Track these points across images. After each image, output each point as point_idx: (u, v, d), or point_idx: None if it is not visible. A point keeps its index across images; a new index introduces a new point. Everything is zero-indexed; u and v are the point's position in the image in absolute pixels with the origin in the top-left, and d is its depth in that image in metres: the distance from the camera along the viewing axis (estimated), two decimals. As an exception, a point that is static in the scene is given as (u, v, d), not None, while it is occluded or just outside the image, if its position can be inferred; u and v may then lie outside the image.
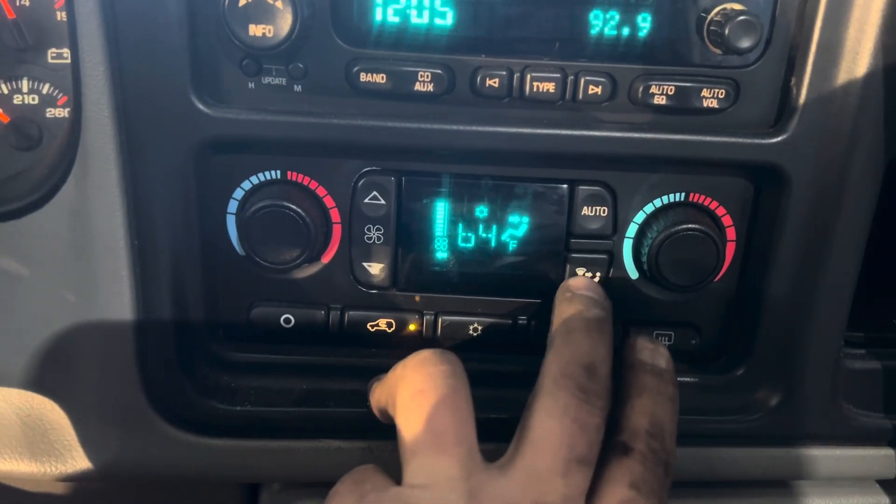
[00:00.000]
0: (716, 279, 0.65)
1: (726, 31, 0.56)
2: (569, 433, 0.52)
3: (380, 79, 0.59)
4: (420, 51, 0.59)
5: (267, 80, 0.60)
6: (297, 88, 0.60)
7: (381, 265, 0.66)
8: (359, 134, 0.60)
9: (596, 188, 0.64)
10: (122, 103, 0.58)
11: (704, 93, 0.60)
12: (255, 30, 0.55)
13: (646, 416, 0.56)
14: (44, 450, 0.69)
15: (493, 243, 0.66)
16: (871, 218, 0.62)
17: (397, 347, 0.68)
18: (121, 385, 0.64)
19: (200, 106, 0.58)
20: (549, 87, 0.59)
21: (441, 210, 0.65)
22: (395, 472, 0.57)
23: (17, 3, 0.70)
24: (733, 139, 0.60)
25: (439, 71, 0.59)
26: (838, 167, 0.60)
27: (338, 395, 0.67)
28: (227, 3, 0.55)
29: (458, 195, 0.65)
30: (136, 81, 0.58)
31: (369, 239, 0.65)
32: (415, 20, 0.59)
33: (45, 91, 0.73)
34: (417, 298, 0.68)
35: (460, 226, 0.66)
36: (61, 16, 0.71)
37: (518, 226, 0.66)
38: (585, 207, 0.65)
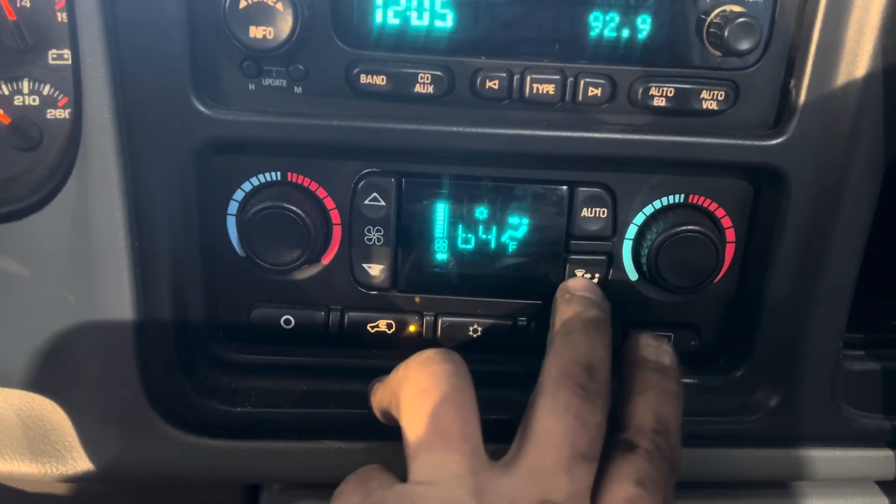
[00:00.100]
0: (715, 280, 0.65)
1: (726, 33, 0.56)
2: (571, 430, 0.53)
3: (380, 80, 0.59)
4: (420, 52, 0.59)
5: (267, 81, 0.60)
6: (298, 90, 0.60)
7: (381, 266, 0.67)
8: (359, 135, 0.60)
9: (596, 190, 0.65)
10: (122, 104, 0.58)
11: (704, 94, 0.60)
12: (256, 31, 0.55)
13: (650, 413, 0.56)
14: (44, 450, 0.69)
15: (492, 244, 0.66)
16: (870, 219, 0.63)
17: (397, 349, 0.68)
18: (121, 386, 0.64)
19: (201, 107, 0.58)
20: (549, 88, 0.60)
21: (441, 211, 0.65)
22: (397, 473, 0.57)
23: (18, 4, 0.70)
24: (733, 141, 0.60)
25: (439, 73, 0.59)
26: (838, 168, 0.60)
27: (338, 396, 0.67)
28: (227, 5, 0.55)
29: (457, 196, 0.65)
30: (137, 83, 0.58)
31: (369, 240, 0.66)
32: (415, 22, 0.59)
33: (45, 92, 0.73)
34: (417, 299, 0.68)
35: (460, 227, 0.66)
36: (62, 17, 0.71)
37: (518, 227, 0.66)
38: (585, 209, 0.65)
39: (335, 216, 0.65)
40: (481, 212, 0.65)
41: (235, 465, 0.68)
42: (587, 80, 0.60)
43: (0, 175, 0.69)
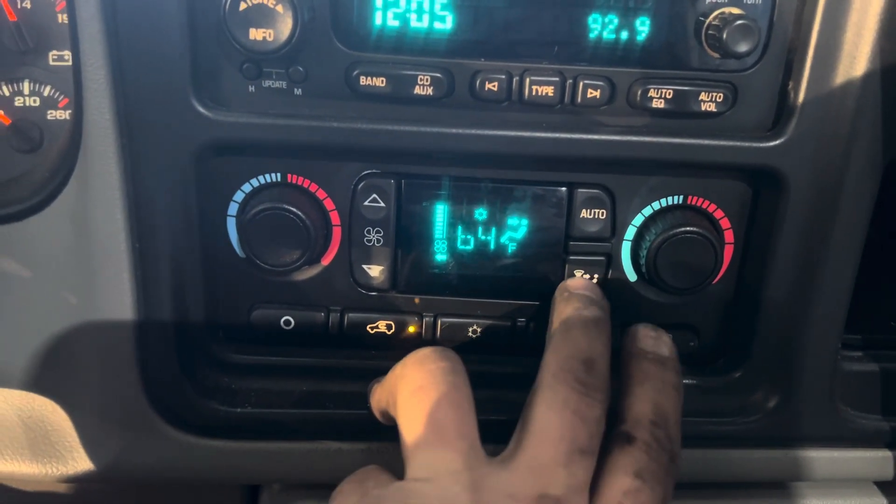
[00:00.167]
0: (714, 282, 0.65)
1: (724, 35, 0.56)
2: (569, 425, 0.53)
3: (379, 82, 0.59)
4: (420, 54, 0.59)
5: (267, 83, 0.60)
6: (298, 92, 0.60)
7: (380, 267, 0.67)
8: (359, 137, 0.60)
9: (595, 191, 0.65)
10: (123, 106, 0.58)
11: (702, 96, 0.60)
12: (256, 34, 0.56)
13: (648, 405, 0.56)
14: (45, 451, 0.69)
15: (492, 246, 0.66)
16: (868, 220, 0.63)
17: (397, 349, 0.68)
18: (122, 386, 0.65)
19: (201, 109, 0.59)
20: (548, 90, 0.60)
21: (440, 213, 0.65)
22: (395, 473, 0.57)
23: (19, 6, 0.70)
24: (731, 142, 0.61)
25: (439, 74, 0.59)
26: (836, 170, 0.61)
27: (338, 397, 0.68)
28: (227, 7, 0.55)
29: (457, 198, 0.65)
30: (138, 84, 0.58)
31: (369, 241, 0.66)
32: (414, 24, 0.59)
33: (46, 93, 0.73)
34: (417, 300, 0.68)
35: (460, 228, 0.66)
36: (62, 18, 0.71)
37: (517, 228, 0.66)
38: (584, 210, 0.65)
39: (335, 217, 0.65)
40: (481, 213, 0.66)
41: (235, 466, 0.68)
42: (586, 81, 0.60)
43: (1, 176, 0.69)
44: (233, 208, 0.65)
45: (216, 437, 0.67)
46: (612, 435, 0.55)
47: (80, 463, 0.68)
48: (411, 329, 0.68)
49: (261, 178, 0.64)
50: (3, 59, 0.71)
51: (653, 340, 0.61)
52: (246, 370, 0.69)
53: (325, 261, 0.67)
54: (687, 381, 0.69)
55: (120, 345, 0.63)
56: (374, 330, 0.68)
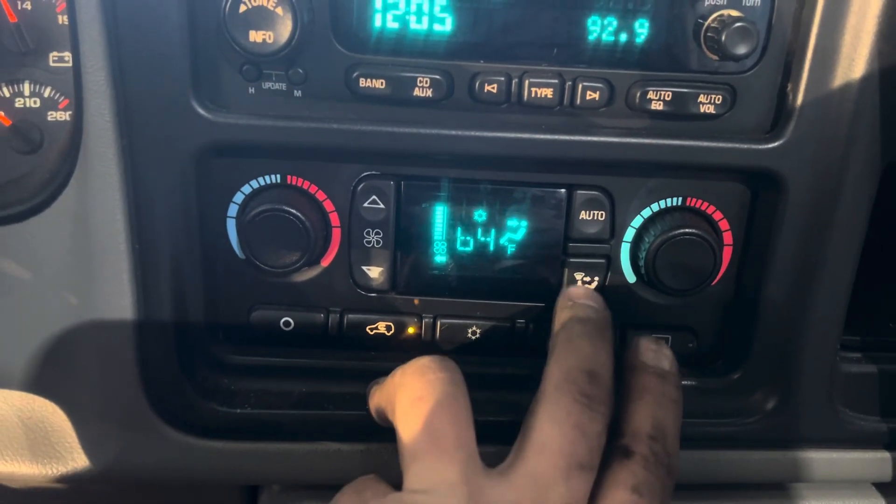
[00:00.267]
0: (713, 283, 0.65)
1: (723, 38, 0.56)
2: (570, 439, 0.53)
3: (379, 84, 0.59)
4: (419, 56, 0.60)
5: (267, 85, 0.60)
6: (297, 94, 0.60)
7: (380, 269, 0.67)
8: (358, 139, 0.60)
9: (594, 193, 0.65)
10: (123, 107, 0.59)
11: (701, 98, 0.60)
12: (256, 36, 0.56)
13: (648, 419, 0.56)
14: (45, 451, 0.69)
15: (491, 247, 0.67)
16: (867, 222, 0.63)
17: (396, 350, 0.68)
18: (122, 387, 0.65)
19: (201, 111, 0.59)
20: (547, 92, 0.60)
21: (440, 214, 0.65)
22: (394, 475, 0.57)
23: (19, 7, 0.70)
24: (730, 144, 0.61)
25: (438, 76, 0.59)
26: (835, 172, 0.61)
27: (337, 398, 0.68)
28: (227, 9, 0.55)
29: (456, 199, 0.65)
30: (138, 86, 0.58)
31: (368, 243, 0.66)
32: (414, 26, 0.59)
33: (46, 94, 0.73)
34: (416, 302, 0.68)
35: (459, 230, 0.66)
36: (63, 19, 0.71)
37: (516, 230, 0.66)
38: (583, 212, 0.65)
39: (334, 219, 0.65)
40: (480, 214, 0.66)
41: (235, 467, 0.68)
42: (585, 83, 0.60)
43: (1, 177, 0.70)
44: (233, 209, 0.65)
45: (216, 437, 0.67)
46: (610, 448, 0.55)
47: (80, 463, 0.68)
48: (411, 330, 0.68)
49: (260, 179, 0.64)
50: (3, 60, 0.71)
51: (654, 353, 0.61)
52: (245, 371, 0.69)
53: (325, 262, 0.67)
54: (686, 383, 0.69)
55: (120, 345, 0.63)
56: (374, 331, 0.68)
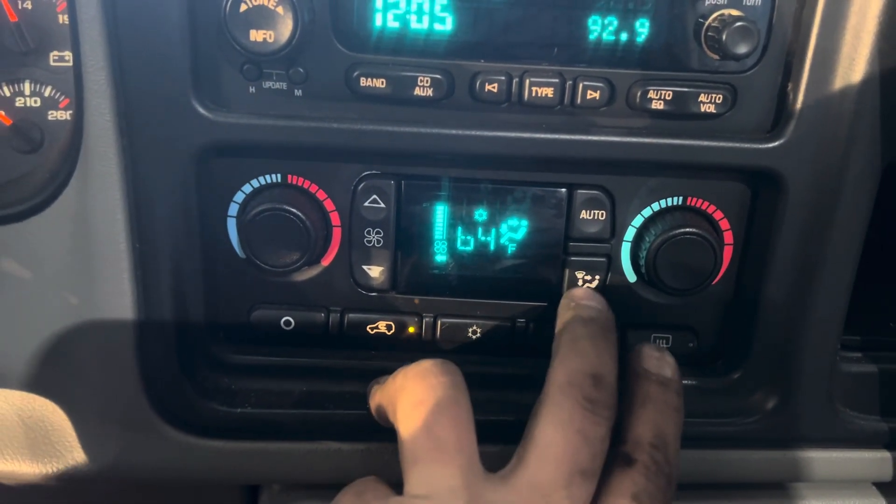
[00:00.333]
0: (713, 283, 0.65)
1: (723, 37, 0.56)
2: (573, 445, 0.52)
3: (380, 83, 0.59)
4: (420, 56, 0.60)
5: (268, 84, 0.60)
6: (298, 93, 0.60)
7: (380, 268, 0.67)
8: (359, 138, 0.60)
9: (594, 192, 0.65)
10: (123, 107, 0.59)
11: (702, 98, 0.60)
12: (256, 35, 0.56)
13: (649, 427, 0.56)
14: (45, 451, 0.69)
15: (491, 247, 0.67)
16: (867, 222, 0.63)
17: (397, 350, 0.68)
18: (122, 387, 0.65)
19: (201, 110, 0.59)
20: (548, 91, 0.60)
21: (440, 213, 0.66)
22: (394, 475, 0.57)
23: (19, 6, 0.70)
24: (730, 144, 0.61)
25: (439, 76, 0.59)
26: (835, 172, 0.61)
27: (337, 398, 0.68)
28: (228, 8, 0.55)
29: (457, 199, 0.65)
30: (138, 85, 0.58)
31: (369, 242, 0.66)
32: (414, 25, 0.59)
33: (47, 94, 0.73)
34: (417, 301, 0.68)
35: (459, 229, 0.66)
36: (63, 19, 0.71)
37: (517, 229, 0.66)
38: (584, 211, 0.65)
39: (335, 218, 0.65)
40: (480, 214, 0.66)
41: (235, 466, 0.68)
42: (586, 83, 0.60)
43: (2, 177, 0.70)
44: (233, 209, 0.65)
45: (216, 437, 0.67)
46: (611, 455, 0.55)
47: (80, 463, 0.68)
48: (411, 329, 0.68)
49: (261, 178, 0.64)
50: (3, 59, 0.71)
51: (657, 361, 0.61)
52: (246, 371, 0.69)
53: (326, 261, 0.67)
54: (686, 382, 0.69)
55: (120, 345, 0.63)
56: (374, 330, 0.68)
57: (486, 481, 0.53)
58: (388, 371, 0.61)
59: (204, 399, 0.67)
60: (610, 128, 0.61)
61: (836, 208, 0.61)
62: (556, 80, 0.60)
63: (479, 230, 0.66)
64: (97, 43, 0.57)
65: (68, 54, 0.72)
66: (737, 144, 0.61)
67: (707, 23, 0.58)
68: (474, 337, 0.68)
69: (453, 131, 0.60)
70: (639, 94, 0.60)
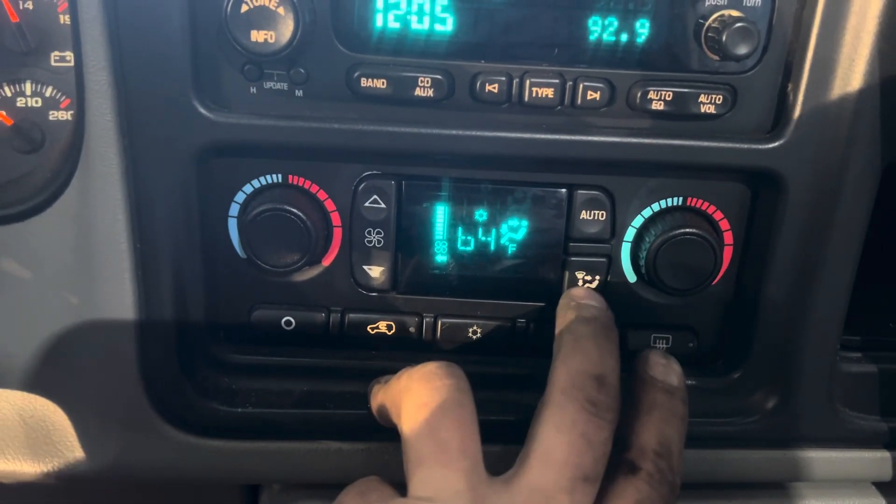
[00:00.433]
0: (713, 283, 0.65)
1: (724, 38, 0.56)
2: (576, 450, 0.52)
3: (380, 84, 0.59)
4: (420, 56, 0.60)
5: (268, 85, 0.60)
6: (299, 93, 0.60)
7: (381, 268, 0.67)
8: (359, 138, 0.60)
9: (594, 192, 0.65)
10: (124, 107, 0.59)
11: (702, 98, 0.60)
12: (257, 36, 0.56)
13: (654, 435, 0.56)
14: (46, 450, 0.69)
15: (492, 247, 0.67)
16: (867, 222, 0.63)
17: (397, 350, 0.68)
18: (122, 387, 0.65)
19: (202, 110, 0.59)
20: (548, 92, 0.60)
21: (441, 214, 0.66)
22: (394, 475, 0.57)
23: (21, 7, 0.70)
24: (730, 144, 0.61)
25: (439, 76, 0.59)
26: (835, 172, 0.61)
27: (338, 397, 0.68)
28: (229, 9, 0.55)
29: (457, 199, 0.65)
30: (139, 85, 0.58)
31: (369, 242, 0.66)
32: (415, 26, 0.59)
33: (48, 94, 0.73)
34: (417, 301, 0.68)
35: (460, 229, 0.66)
36: (64, 19, 0.71)
37: (517, 230, 0.66)
38: (584, 211, 0.65)
39: (336, 218, 0.65)
40: (481, 214, 0.66)
41: (235, 466, 0.68)
42: (586, 83, 0.60)
43: (2, 177, 0.70)
44: (234, 209, 0.65)
45: (216, 437, 0.67)
46: (615, 461, 0.55)
47: (81, 462, 0.69)
48: (411, 330, 0.68)
49: (262, 179, 0.64)
50: (4, 59, 0.71)
51: (663, 368, 0.61)
52: (246, 370, 0.69)
53: (326, 261, 0.67)
54: (686, 383, 0.69)
55: (121, 345, 0.64)
56: (375, 330, 0.68)
57: (490, 485, 0.53)
58: (389, 371, 0.61)
59: (204, 399, 0.67)
60: (610, 128, 0.61)
61: (836, 208, 0.62)
62: (557, 81, 0.60)
63: (480, 230, 0.66)
64: (98, 43, 0.57)
65: (69, 54, 0.72)
66: (737, 145, 0.61)
67: (707, 23, 0.58)
68: (475, 337, 0.68)
69: (454, 132, 0.60)
70: (639, 94, 0.60)
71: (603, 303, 0.63)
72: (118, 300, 0.62)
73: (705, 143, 0.61)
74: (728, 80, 0.60)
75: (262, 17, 0.55)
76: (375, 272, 0.67)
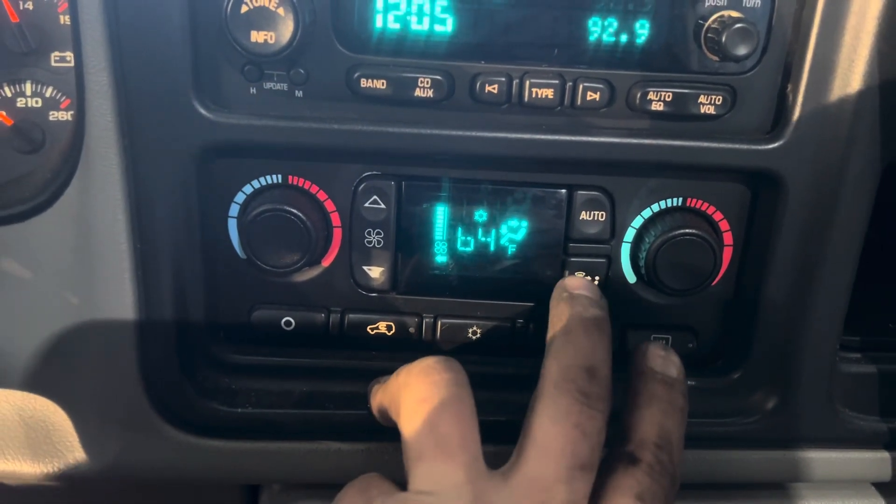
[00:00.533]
0: (713, 283, 0.65)
1: (723, 38, 0.56)
2: (571, 439, 0.53)
3: (380, 84, 0.59)
4: (420, 57, 0.60)
5: (268, 85, 0.60)
6: (299, 94, 0.61)
7: (381, 269, 0.67)
8: (359, 139, 0.60)
9: (594, 193, 0.65)
10: (125, 107, 0.59)
11: (702, 99, 0.60)
12: (257, 36, 0.56)
13: (654, 427, 0.56)
14: (46, 450, 0.69)
15: (492, 247, 0.67)
16: (867, 223, 0.63)
17: (397, 350, 0.68)
18: (123, 387, 0.65)
19: (202, 111, 0.59)
20: (548, 93, 0.60)
21: (441, 214, 0.66)
22: (394, 474, 0.57)
23: (21, 7, 0.71)
24: (730, 145, 0.61)
25: (439, 77, 0.59)
26: (834, 172, 0.61)
27: (338, 398, 0.68)
28: (229, 9, 0.55)
29: (457, 200, 0.65)
30: (139, 86, 0.58)
31: (369, 243, 0.66)
32: (415, 27, 0.59)
33: (48, 94, 0.73)
34: (417, 302, 0.68)
35: (460, 230, 0.66)
36: (64, 19, 0.71)
37: (517, 230, 0.66)
38: (584, 212, 0.65)
39: (335, 219, 0.65)
40: (480, 215, 0.66)
41: (235, 466, 0.68)
42: (586, 84, 0.60)
43: (2, 177, 0.70)
44: (234, 209, 0.65)
45: (216, 437, 0.67)
46: (616, 453, 0.55)
47: (81, 462, 0.69)
48: (411, 330, 0.68)
49: (262, 179, 0.64)
50: (5, 60, 0.71)
51: (662, 360, 0.61)
52: (246, 370, 0.69)
53: (326, 262, 0.67)
54: (685, 375, 0.69)
55: (121, 345, 0.64)
56: (375, 331, 0.68)
57: (489, 478, 0.53)
58: (389, 371, 0.61)
59: (204, 399, 0.67)
60: (610, 129, 0.61)
61: (835, 209, 0.62)
62: (557, 82, 0.60)
63: (480, 231, 0.66)
64: (99, 43, 0.57)
65: (69, 55, 0.72)
66: (736, 146, 0.61)
67: (707, 24, 0.58)
68: (474, 337, 0.69)
69: (453, 132, 0.60)
70: (639, 95, 0.60)
71: (596, 292, 0.62)
72: (118, 300, 0.62)
73: (705, 144, 0.61)
74: (728, 80, 0.60)
75: (262, 18, 0.55)
76: (375, 272, 0.67)
